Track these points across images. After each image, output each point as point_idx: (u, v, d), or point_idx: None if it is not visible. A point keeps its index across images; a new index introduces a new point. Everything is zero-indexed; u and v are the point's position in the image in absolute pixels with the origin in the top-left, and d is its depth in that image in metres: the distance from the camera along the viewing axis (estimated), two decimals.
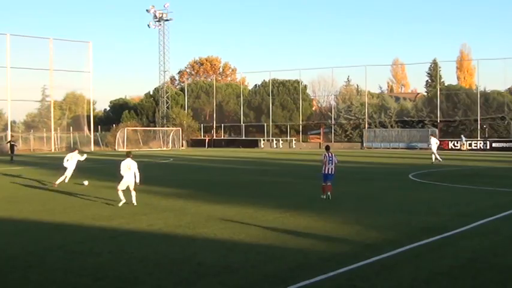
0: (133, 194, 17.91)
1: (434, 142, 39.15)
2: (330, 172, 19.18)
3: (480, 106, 64.66)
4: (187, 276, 9.53)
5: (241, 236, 12.75)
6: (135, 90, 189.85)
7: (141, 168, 18.49)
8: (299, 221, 14.80)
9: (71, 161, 24.69)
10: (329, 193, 18.95)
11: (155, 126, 76.38)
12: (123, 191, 17.81)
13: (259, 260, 10.60)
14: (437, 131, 65.28)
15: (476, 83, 72.70)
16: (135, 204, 17.59)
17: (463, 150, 60.15)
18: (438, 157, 38.35)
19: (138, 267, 10.14)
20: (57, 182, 23.56)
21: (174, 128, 73.71)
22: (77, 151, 25.92)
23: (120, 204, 17.58)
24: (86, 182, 24.06)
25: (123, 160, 18.12)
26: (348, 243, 11.99)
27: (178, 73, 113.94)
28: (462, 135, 62.86)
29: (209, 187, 23.88)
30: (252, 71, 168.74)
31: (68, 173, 24.43)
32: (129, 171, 17.85)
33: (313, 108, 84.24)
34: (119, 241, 12.57)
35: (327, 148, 20.02)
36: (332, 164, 19.21)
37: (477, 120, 64.39)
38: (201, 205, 17.94)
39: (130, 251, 11.45)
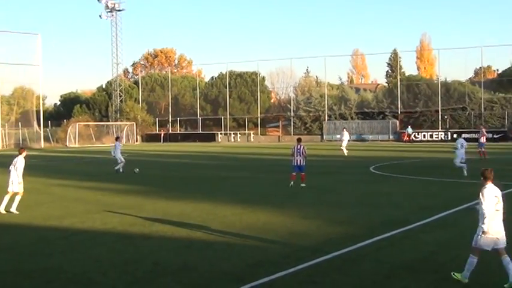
0: (7, 198, 15.64)
1: (346, 136, 40.71)
2: (298, 164, 20.42)
3: (441, 97, 64.72)
4: (143, 276, 9.32)
5: (198, 234, 12.49)
6: (86, 83, 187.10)
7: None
8: (258, 217, 14.62)
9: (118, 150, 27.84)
10: (302, 183, 20.25)
11: (108, 121, 74.76)
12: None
13: (217, 257, 10.40)
14: (398, 122, 65.75)
15: (437, 73, 72.37)
16: (15, 211, 15.44)
17: (407, 141, 60.40)
18: (345, 151, 38.99)
19: (92, 267, 9.85)
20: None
21: (128, 123, 72.48)
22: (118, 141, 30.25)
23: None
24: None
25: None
26: (308, 238, 11.84)
27: (131, 65, 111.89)
28: (409, 126, 63.29)
29: (165, 183, 23.48)
30: (208, 63, 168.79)
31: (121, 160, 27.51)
32: (13, 167, 15.73)
33: (272, 101, 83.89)
34: (71, 241, 12.18)
35: (298, 140, 21.45)
36: (300, 156, 20.32)
37: (438, 111, 64.64)
38: (157, 202, 17.57)
39: (83, 251, 11.11)
